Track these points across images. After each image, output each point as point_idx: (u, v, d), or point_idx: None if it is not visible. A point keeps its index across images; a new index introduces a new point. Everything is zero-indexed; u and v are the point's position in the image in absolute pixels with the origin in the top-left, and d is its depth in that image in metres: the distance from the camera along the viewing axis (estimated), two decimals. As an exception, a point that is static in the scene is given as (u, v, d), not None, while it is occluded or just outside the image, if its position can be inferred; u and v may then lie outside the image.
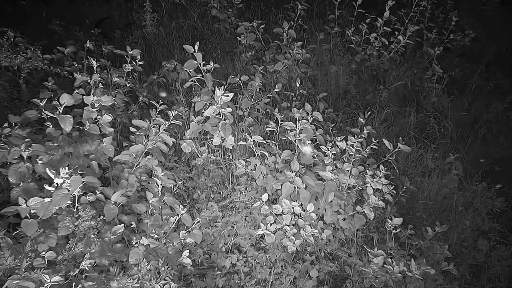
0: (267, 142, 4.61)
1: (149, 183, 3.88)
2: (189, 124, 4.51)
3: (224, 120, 4.22)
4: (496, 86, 6.79)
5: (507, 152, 5.72)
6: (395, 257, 4.11)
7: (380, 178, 4.18)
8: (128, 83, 4.76)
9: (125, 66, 4.79)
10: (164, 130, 4.01)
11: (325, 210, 4.27)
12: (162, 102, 4.22)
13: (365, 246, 4.29)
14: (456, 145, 5.74)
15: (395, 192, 4.27)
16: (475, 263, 4.47)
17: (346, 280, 4.11)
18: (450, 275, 4.16)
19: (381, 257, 3.89)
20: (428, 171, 5.23)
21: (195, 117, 4.31)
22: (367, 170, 4.30)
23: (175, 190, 4.16)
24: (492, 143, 5.85)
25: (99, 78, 4.37)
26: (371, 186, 4.18)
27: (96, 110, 3.91)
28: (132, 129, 4.08)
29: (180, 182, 4.20)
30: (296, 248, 3.96)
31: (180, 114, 4.76)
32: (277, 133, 4.47)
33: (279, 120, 4.37)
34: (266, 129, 4.48)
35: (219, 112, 4.18)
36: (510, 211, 5.10)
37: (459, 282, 4.22)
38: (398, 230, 4.16)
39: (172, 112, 4.05)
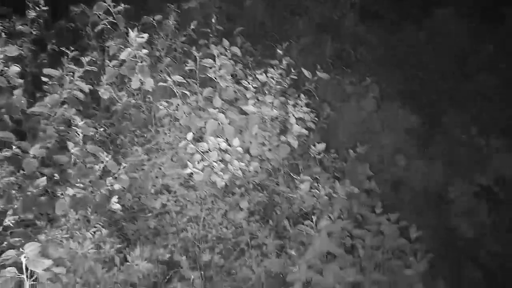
0: (187, 81, 4.55)
1: (68, 132, 3.77)
2: (104, 70, 4.37)
3: (141, 62, 4.13)
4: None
5: (425, 70, 5.95)
6: (320, 181, 4.27)
7: (301, 107, 4.28)
8: (34, 30, 4.50)
9: (28, 12, 4.50)
10: (78, 77, 3.88)
11: (251, 143, 4.33)
12: (73, 49, 4.05)
13: (291, 174, 4.42)
14: (372, 69, 5.90)
15: (317, 119, 4.39)
16: (394, 178, 4.74)
17: (275, 208, 4.25)
18: (373, 192, 4.40)
19: (307, 182, 4.04)
20: (346, 96, 5.38)
21: (110, 62, 4.18)
22: (288, 101, 4.37)
23: (97, 138, 4.08)
24: (406, 63, 6.05)
25: (1, 27, 4.11)
26: (294, 116, 4.27)
27: (2, 62, 3.71)
28: (44, 79, 3.90)
29: (102, 129, 4.12)
30: (225, 183, 4.03)
31: (94, 59, 4.58)
32: (197, 71, 4.42)
33: (198, 58, 4.31)
34: (185, 68, 4.41)
35: (135, 55, 4.07)
36: (423, 126, 5.39)
37: (381, 197, 4.48)
38: (322, 155, 4.31)
39: (86, 58, 3.91)
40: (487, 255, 4.48)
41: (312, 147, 4.27)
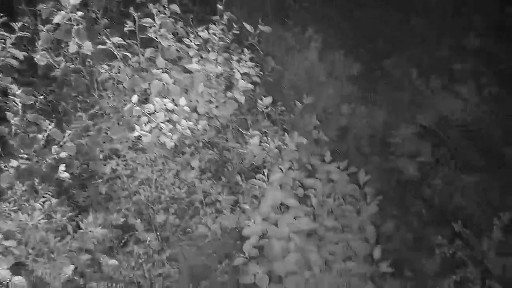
0: (127, 42, 4.43)
1: (6, 102, 3.64)
2: (38, 35, 4.20)
3: (77, 25, 3.99)
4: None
5: (364, 18, 6.02)
6: (269, 135, 4.32)
7: (246, 62, 4.27)
8: (-44, -4, 4.24)
9: None
10: (11, 44, 3.73)
11: (197, 101, 4.30)
12: (2, 14, 3.86)
13: (240, 129, 4.44)
14: (313, 19, 5.90)
15: (261, 73, 4.38)
16: (340, 126, 4.84)
17: (226, 164, 4.28)
18: (321, 141, 4.48)
19: (257, 136, 4.08)
20: (289, 48, 5.38)
21: (44, 26, 4.01)
22: (232, 56, 4.34)
23: (38, 106, 3.95)
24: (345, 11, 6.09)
25: None
26: (238, 71, 4.25)
27: None
28: (-29, 48, 3.73)
29: (41, 97, 3.99)
30: (175, 143, 4.00)
31: (26, 24, 4.38)
32: (137, 32, 4.31)
33: (136, 18, 4.20)
34: (124, 29, 4.29)
35: (70, 18, 3.93)
36: (366, 73, 5.49)
37: (329, 146, 4.57)
38: (269, 109, 4.34)
39: (17, 23, 3.75)
40: (431, 192, 4.68)
41: (259, 101, 4.29)
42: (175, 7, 4.28)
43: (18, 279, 2.93)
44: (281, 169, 4.03)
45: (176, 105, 4.04)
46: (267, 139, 4.16)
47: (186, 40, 4.26)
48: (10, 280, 2.92)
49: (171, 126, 4.01)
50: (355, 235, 3.78)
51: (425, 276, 3.99)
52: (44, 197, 3.28)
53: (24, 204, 3.16)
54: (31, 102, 3.63)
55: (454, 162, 4.91)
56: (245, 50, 4.30)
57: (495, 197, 4.46)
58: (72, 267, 3.10)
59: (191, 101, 4.28)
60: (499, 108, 5.21)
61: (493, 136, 5.03)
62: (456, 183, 4.63)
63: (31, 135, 3.58)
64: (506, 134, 5.06)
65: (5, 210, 3.07)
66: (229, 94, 4.28)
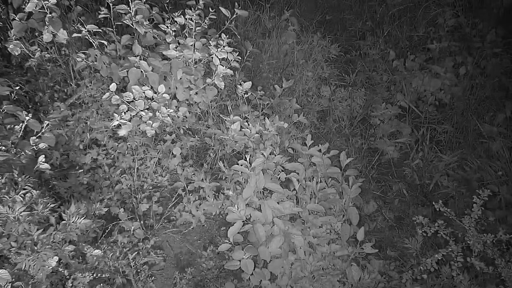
0: (102, 30, 4.37)
1: (-21, 95, 3.55)
2: (11, 24, 4.10)
3: (50, 13, 3.91)
4: None
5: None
6: (250, 120, 4.31)
7: (224, 47, 4.23)
8: None
9: None
10: (-19, 34, 3.63)
11: (176, 88, 4.26)
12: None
13: (221, 115, 4.43)
14: (289, 1, 5.89)
15: (240, 58, 4.36)
16: (320, 108, 4.85)
17: (208, 151, 4.27)
18: (301, 125, 4.49)
19: (237, 122, 4.05)
20: (267, 31, 5.37)
21: (16, 15, 3.92)
22: (210, 42, 4.30)
23: (14, 97, 3.87)
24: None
25: None
26: (217, 56, 4.22)
27: None
28: None
29: (17, 87, 3.90)
30: (155, 131, 3.97)
31: (-3, 14, 4.30)
32: (112, 19, 4.24)
33: (111, 4, 4.13)
34: (99, 16, 4.22)
35: (43, 6, 3.84)
36: (344, 55, 5.50)
37: (310, 129, 4.59)
38: (249, 93, 4.33)
39: (-14, 13, 3.66)
40: (411, 172, 4.73)
41: (239, 86, 4.26)
42: (149, -8, 4.22)
43: (1, 272, 2.88)
44: (263, 154, 4.02)
45: (155, 92, 4.00)
46: (248, 124, 4.15)
47: (163, 26, 4.21)
48: (-7, 274, 2.88)
49: (151, 114, 3.97)
50: (338, 218, 3.80)
51: (407, 255, 4.05)
52: (24, 189, 3.21)
53: (5, 197, 3.10)
54: (7, 93, 3.55)
55: (434, 141, 4.98)
56: (223, 35, 4.26)
57: (473, 174, 4.53)
58: (56, 258, 3.06)
59: (170, 88, 4.25)
60: (475, 86, 5.28)
61: (470, 114, 5.10)
62: (435, 163, 4.69)
63: (8, 126, 3.51)
64: (482, 111, 5.14)
65: (-15, 203, 3.00)
66: (208, 80, 4.25)
